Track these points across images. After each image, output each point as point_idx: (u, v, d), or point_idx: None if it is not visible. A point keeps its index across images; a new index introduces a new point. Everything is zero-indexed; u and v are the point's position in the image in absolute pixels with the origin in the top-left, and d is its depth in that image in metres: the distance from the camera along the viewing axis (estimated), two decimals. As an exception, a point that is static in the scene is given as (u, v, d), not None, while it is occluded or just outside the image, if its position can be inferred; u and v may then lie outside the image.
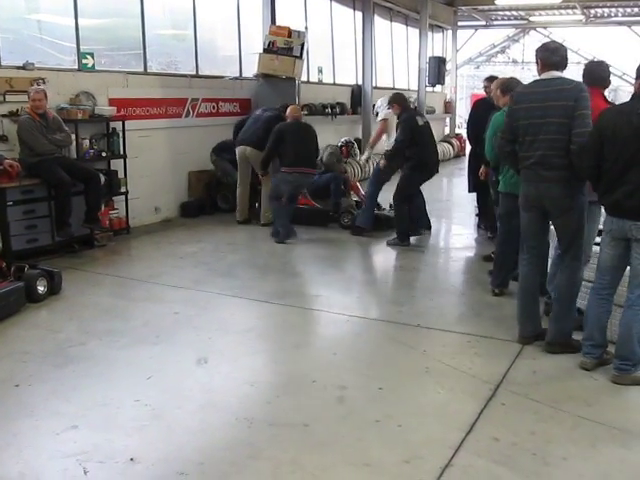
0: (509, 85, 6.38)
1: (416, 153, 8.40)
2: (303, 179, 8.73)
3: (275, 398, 4.26)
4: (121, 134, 8.79)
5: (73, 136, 8.08)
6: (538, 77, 4.90)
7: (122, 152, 8.85)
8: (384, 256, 8.44)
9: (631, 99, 4.51)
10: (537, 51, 4.91)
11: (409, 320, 5.74)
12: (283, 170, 8.61)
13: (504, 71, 24.37)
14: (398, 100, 8.66)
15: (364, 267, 7.97)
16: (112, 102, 8.90)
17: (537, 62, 4.87)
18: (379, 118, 9.58)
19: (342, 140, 12.06)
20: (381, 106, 9.66)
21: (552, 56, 4.79)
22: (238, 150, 9.48)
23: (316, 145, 8.97)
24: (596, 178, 4.54)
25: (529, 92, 4.90)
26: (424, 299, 6.47)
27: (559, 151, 4.66)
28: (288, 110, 9.11)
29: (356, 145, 12.42)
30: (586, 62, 6.14)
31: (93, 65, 8.77)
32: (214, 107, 11.01)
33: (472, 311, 6.08)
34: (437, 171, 8.79)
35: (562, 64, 4.81)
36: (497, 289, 6.44)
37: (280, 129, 8.75)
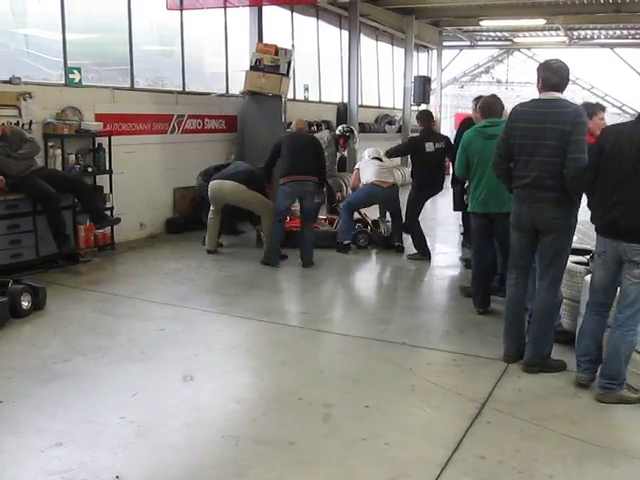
0: (489, 109, 6.43)
1: (419, 172, 8.79)
2: (300, 187, 8.21)
3: (261, 415, 4.25)
4: (107, 149, 8.79)
5: (59, 151, 8.08)
6: (537, 96, 4.92)
7: (108, 167, 8.85)
8: (369, 274, 8.48)
9: (637, 118, 4.54)
10: (539, 69, 4.91)
11: (395, 338, 5.75)
12: (280, 183, 8.32)
13: (488, 91, 24.55)
14: (421, 117, 9.00)
15: (349, 285, 7.99)
16: (98, 117, 8.91)
17: (538, 80, 4.87)
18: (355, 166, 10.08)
19: (340, 128, 11.08)
20: (363, 156, 10.04)
21: (554, 77, 4.80)
22: (212, 185, 8.87)
23: (316, 154, 8.43)
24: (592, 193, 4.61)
25: (527, 111, 4.90)
26: (409, 317, 6.49)
27: (553, 173, 4.71)
28: (293, 122, 9.14)
29: (356, 133, 11.19)
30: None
31: (80, 80, 8.78)
32: (200, 124, 11.04)
33: (457, 329, 6.11)
34: (441, 188, 9.02)
35: (562, 85, 4.83)
36: (481, 309, 6.48)
37: (278, 140, 8.64)
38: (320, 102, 15.47)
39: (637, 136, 4.32)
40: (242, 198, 8.74)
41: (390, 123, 18.46)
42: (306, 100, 14.55)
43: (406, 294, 7.40)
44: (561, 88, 4.83)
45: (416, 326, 6.17)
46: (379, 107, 19.03)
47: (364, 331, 5.99)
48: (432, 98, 19.89)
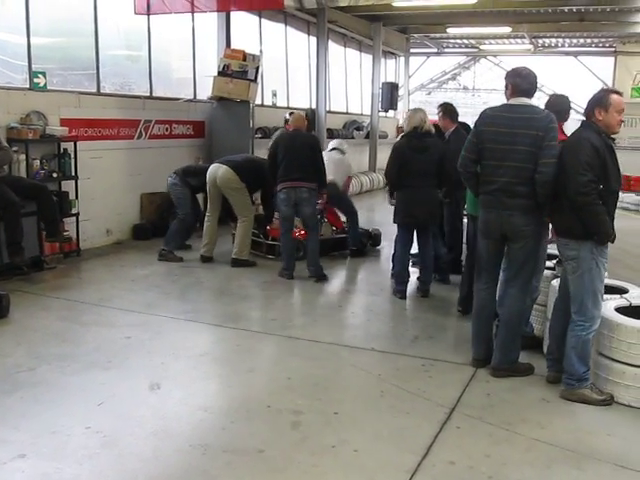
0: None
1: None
2: (294, 194, 7.80)
3: (230, 424, 4.21)
4: (73, 155, 8.67)
5: (23, 156, 7.95)
6: (506, 102, 4.96)
7: (73, 173, 8.72)
8: (340, 280, 8.46)
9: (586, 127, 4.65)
10: (507, 76, 4.96)
11: (364, 344, 5.75)
12: (277, 189, 7.97)
13: (455, 98, 24.76)
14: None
15: (320, 291, 7.97)
16: (64, 122, 8.78)
17: (507, 86, 4.92)
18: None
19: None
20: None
21: (523, 83, 4.86)
22: (210, 168, 8.58)
23: (312, 157, 7.89)
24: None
25: (498, 115, 4.93)
26: (378, 323, 6.50)
27: (524, 179, 4.75)
28: (291, 119, 8.54)
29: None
30: (550, 95, 6.28)
31: (45, 84, 8.64)
32: (167, 129, 10.95)
33: (425, 334, 6.12)
34: None
35: (531, 91, 4.89)
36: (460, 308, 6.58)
37: (274, 141, 8.36)
38: (288, 108, 15.44)
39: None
40: (228, 188, 8.41)
41: (358, 129, 18.50)
42: (274, 106, 14.52)
43: (376, 300, 7.39)
44: (530, 94, 4.88)
45: (385, 332, 6.19)
46: (347, 113, 19.07)
47: (333, 337, 5.97)
48: (400, 104, 19.99)
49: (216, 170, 8.48)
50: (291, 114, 9.91)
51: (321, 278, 8.00)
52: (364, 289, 7.98)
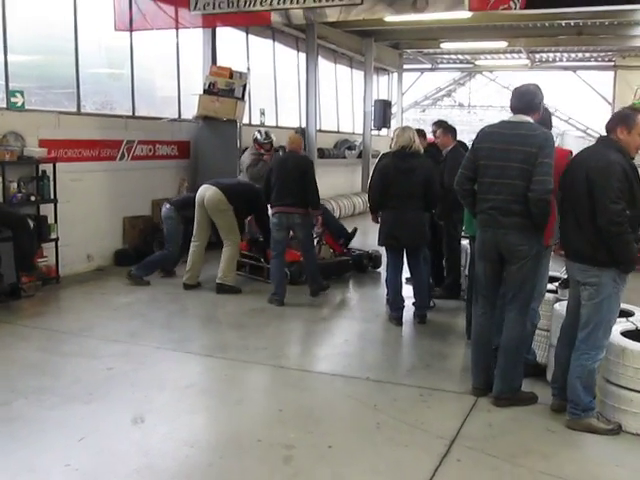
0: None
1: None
2: (286, 220, 7.98)
3: (218, 460, 4.17)
4: (52, 177, 8.65)
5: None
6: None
7: (52, 196, 8.70)
8: (334, 306, 8.43)
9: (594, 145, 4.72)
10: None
11: (358, 373, 5.72)
12: (271, 213, 8.16)
13: (450, 115, 24.94)
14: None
15: (311, 318, 7.94)
16: (42, 143, 8.77)
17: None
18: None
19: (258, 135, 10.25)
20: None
21: (516, 101, 4.95)
22: (199, 192, 8.62)
23: (304, 180, 7.97)
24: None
25: (494, 132, 5.00)
26: (373, 351, 6.48)
27: (518, 197, 4.77)
28: (287, 139, 8.58)
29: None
30: None
31: (23, 104, 8.63)
32: (151, 150, 10.95)
33: (423, 363, 6.10)
34: None
35: (529, 109, 4.91)
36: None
37: (270, 164, 8.57)
38: (277, 127, 15.50)
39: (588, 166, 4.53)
40: (215, 209, 8.42)
41: (350, 148, 18.57)
42: (262, 125, 14.56)
43: (371, 327, 7.37)
44: (529, 112, 4.91)
45: (380, 360, 6.17)
46: (338, 132, 19.15)
47: (326, 366, 5.95)
48: (393, 122, 20.08)
49: (205, 191, 8.51)
50: (260, 132, 10.16)
51: (323, 289, 8.37)
52: (358, 315, 7.95)
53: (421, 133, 8.12)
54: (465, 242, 7.61)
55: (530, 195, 4.70)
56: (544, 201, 4.68)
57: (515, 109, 4.94)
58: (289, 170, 8.00)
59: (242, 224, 8.96)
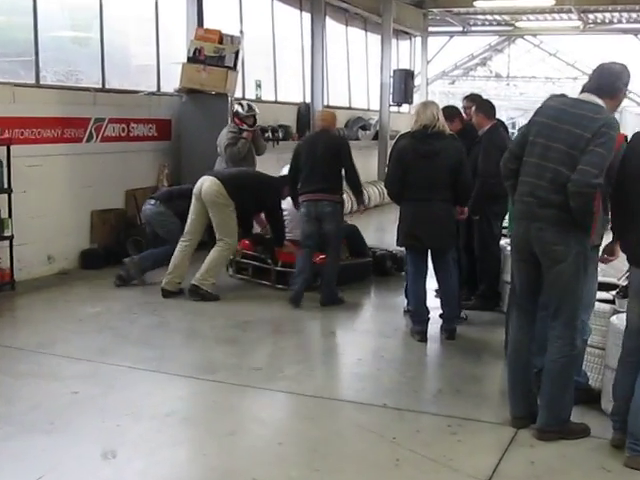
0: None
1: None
2: (314, 209, 8.17)
3: (204, 502, 4.19)
4: (5, 162, 8.68)
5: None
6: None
7: (6, 185, 8.73)
8: (343, 317, 8.43)
9: None
10: None
11: (374, 399, 5.72)
12: (300, 202, 8.41)
13: (485, 88, 24.98)
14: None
15: (318, 332, 7.96)
16: (-6, 122, 8.83)
17: None
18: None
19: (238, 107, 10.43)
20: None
21: (593, 80, 4.92)
22: (197, 183, 8.69)
23: (339, 162, 8.22)
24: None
25: (551, 106, 5.00)
26: (393, 372, 6.47)
27: (559, 187, 4.74)
28: (316, 116, 8.77)
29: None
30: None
31: (-30, 75, 8.70)
32: (124, 129, 10.98)
33: (452, 387, 6.10)
34: None
35: (604, 92, 4.85)
36: None
37: (298, 144, 8.68)
38: (276, 102, 15.54)
39: None
40: (212, 202, 8.46)
41: (364, 128, 18.58)
42: (258, 99, 14.59)
43: (389, 343, 7.37)
44: (603, 94, 4.84)
45: (401, 383, 6.15)
46: (350, 108, 19.19)
47: (335, 391, 5.96)
48: (416, 97, 20.07)
49: (202, 182, 8.59)
50: (241, 104, 10.29)
51: (335, 302, 8.33)
52: (374, 329, 7.97)
53: (455, 112, 8.13)
54: (505, 242, 7.62)
55: (568, 185, 4.66)
56: (584, 196, 4.61)
57: (588, 88, 4.91)
58: (320, 152, 8.13)
59: (250, 221, 9.13)
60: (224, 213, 8.51)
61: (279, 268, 9.09)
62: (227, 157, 9.93)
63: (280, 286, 8.93)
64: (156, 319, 7.92)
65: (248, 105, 10.27)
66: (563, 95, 5.06)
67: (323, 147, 8.18)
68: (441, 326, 7.41)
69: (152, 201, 9.22)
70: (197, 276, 8.49)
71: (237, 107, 10.28)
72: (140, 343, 7.08)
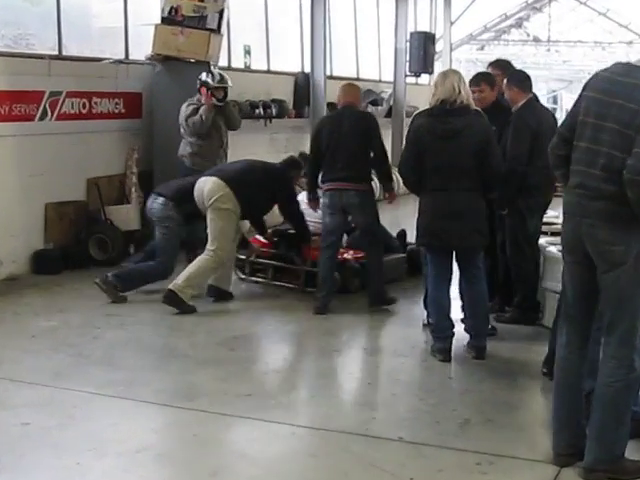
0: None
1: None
2: (339, 199, 8.33)
3: None
4: (-60, 145, 8.72)
5: None
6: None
7: (-59, 173, 8.77)
8: (350, 333, 8.44)
9: None
10: None
11: (387, 432, 5.72)
12: (323, 191, 8.59)
13: (521, 54, 24.94)
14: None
15: (319, 350, 7.95)
16: None
17: None
18: None
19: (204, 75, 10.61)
20: None
21: None
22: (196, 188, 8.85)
23: (367, 143, 8.48)
24: None
25: (604, 77, 4.89)
26: (410, 398, 6.49)
27: (613, 174, 4.70)
28: (339, 91, 8.83)
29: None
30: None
31: None
32: (85, 105, 10.98)
33: (481, 416, 6.09)
34: None
35: None
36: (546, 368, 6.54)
37: (317, 125, 8.85)
38: (269, 72, 15.55)
39: None
40: (216, 208, 8.58)
41: (375, 103, 18.57)
42: (248, 69, 14.61)
43: (407, 363, 7.38)
44: None
45: (419, 412, 6.16)
46: (358, 79, 19.12)
47: (341, 422, 5.95)
48: (437, 65, 20.07)
49: (203, 185, 8.70)
50: (211, 73, 10.40)
51: (386, 302, 8.56)
52: (387, 346, 7.97)
53: (488, 80, 8.08)
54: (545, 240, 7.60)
55: (624, 172, 4.62)
56: None
57: None
58: (345, 132, 8.22)
59: (261, 220, 9.42)
60: (226, 220, 8.62)
61: (310, 268, 9.12)
62: (191, 131, 10.09)
63: (311, 289, 8.95)
64: (123, 334, 7.92)
65: (220, 74, 10.36)
66: (624, 64, 5.00)
67: (349, 125, 8.26)
68: (468, 343, 7.41)
69: (160, 199, 9.06)
70: (177, 282, 8.53)
71: (204, 76, 10.34)
72: (104, 364, 7.08)
